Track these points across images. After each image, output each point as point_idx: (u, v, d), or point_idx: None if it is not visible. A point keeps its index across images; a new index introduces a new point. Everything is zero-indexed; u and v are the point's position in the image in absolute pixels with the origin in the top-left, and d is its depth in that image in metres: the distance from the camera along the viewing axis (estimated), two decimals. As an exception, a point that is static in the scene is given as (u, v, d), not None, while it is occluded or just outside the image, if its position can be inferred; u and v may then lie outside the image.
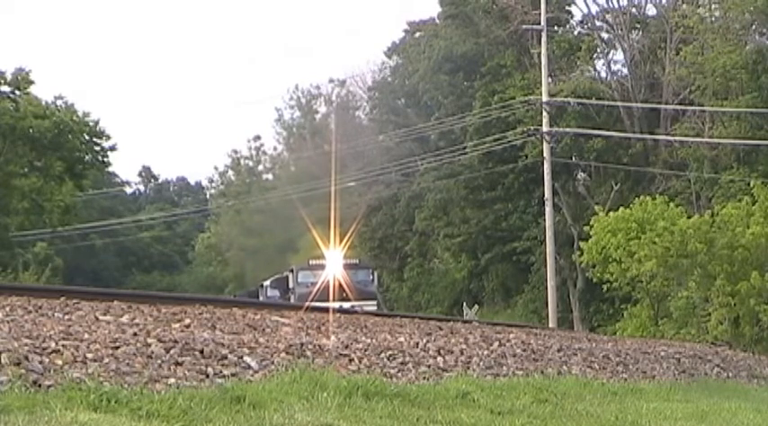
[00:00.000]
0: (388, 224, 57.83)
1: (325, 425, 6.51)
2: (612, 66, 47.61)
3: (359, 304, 33.81)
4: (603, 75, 47.21)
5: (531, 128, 40.00)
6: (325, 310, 16.64)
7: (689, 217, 29.90)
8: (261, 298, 41.88)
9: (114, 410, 5.87)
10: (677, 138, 39.83)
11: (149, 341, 8.16)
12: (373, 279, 38.78)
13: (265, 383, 7.52)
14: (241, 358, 8.37)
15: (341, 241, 36.17)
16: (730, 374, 17.11)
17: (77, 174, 44.06)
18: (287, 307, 16.28)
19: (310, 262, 38.09)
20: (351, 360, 9.52)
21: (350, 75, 70.33)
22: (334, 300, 32.25)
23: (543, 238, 39.08)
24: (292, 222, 56.84)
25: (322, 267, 36.15)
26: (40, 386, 6.20)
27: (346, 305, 33.24)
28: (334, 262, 35.48)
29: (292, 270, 38.92)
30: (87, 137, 43.98)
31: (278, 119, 77.63)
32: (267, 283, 42.13)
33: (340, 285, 33.93)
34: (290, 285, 38.43)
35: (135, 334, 8.47)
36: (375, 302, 36.65)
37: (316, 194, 52.83)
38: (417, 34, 60.48)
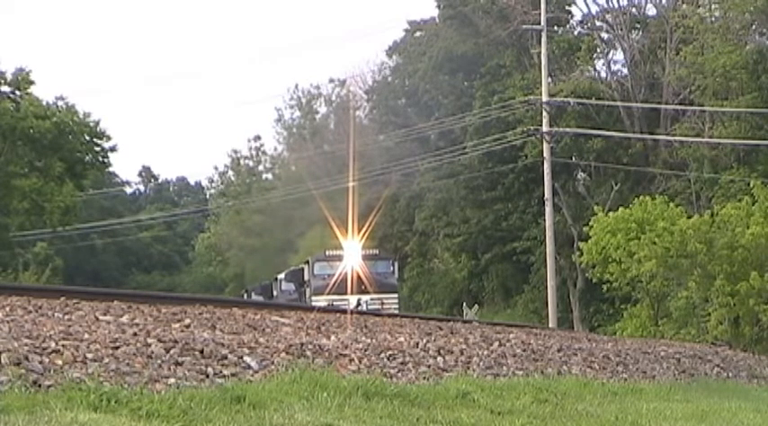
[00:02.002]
0: (387, 224, 57.81)
1: (325, 425, 6.52)
2: (612, 66, 47.70)
3: (378, 297, 32.55)
4: (603, 75, 47.30)
5: (531, 128, 40.01)
6: (326, 310, 16.65)
7: (689, 217, 29.91)
8: (275, 292, 40.10)
9: (114, 410, 5.87)
10: (677, 138, 39.85)
11: (149, 341, 8.17)
12: (394, 271, 36.44)
13: (265, 383, 7.53)
14: (241, 358, 8.38)
15: (359, 231, 34.25)
16: (730, 374, 17.11)
17: (77, 175, 44.01)
18: (287, 307, 16.29)
19: (327, 253, 35.71)
20: (351, 360, 9.52)
21: (350, 75, 70.34)
22: (352, 293, 31.35)
23: (543, 238, 39.08)
24: (292, 222, 56.87)
25: (340, 258, 34.06)
26: (40, 386, 6.20)
27: (365, 298, 32.06)
28: (352, 253, 33.53)
29: (308, 262, 36.68)
30: (88, 138, 43.93)
31: (278, 120, 77.61)
32: (281, 276, 40.25)
33: (359, 277, 32.34)
34: (306, 277, 36.35)
35: (135, 334, 8.47)
36: (396, 295, 34.93)
37: (316, 194, 52.83)
38: (418, 33, 60.51)
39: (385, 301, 32.78)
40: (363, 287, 32.58)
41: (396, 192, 55.82)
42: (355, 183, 40.22)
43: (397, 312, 32.55)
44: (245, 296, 45.47)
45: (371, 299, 32.39)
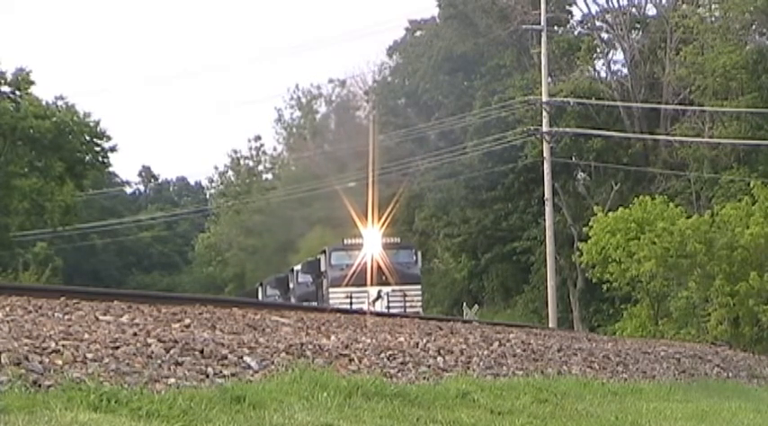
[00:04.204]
0: (387, 224, 57.74)
1: (325, 425, 6.52)
2: (612, 66, 47.68)
3: (400, 288, 30.79)
4: (603, 75, 47.29)
5: (531, 128, 40.03)
6: (325, 310, 16.65)
7: (689, 217, 29.93)
8: (291, 285, 38.63)
9: (114, 410, 5.87)
10: (677, 138, 39.85)
11: (149, 341, 8.17)
12: (417, 261, 33.81)
13: (265, 383, 7.53)
14: (241, 358, 8.38)
15: (379, 219, 32.02)
16: (730, 374, 17.12)
17: (78, 175, 44.01)
18: (287, 307, 16.29)
19: (345, 242, 33.38)
20: (351, 360, 9.52)
21: (350, 76, 70.33)
22: (372, 284, 29.87)
23: (543, 238, 39.09)
24: (292, 222, 56.83)
25: (358, 247, 31.79)
26: (40, 386, 6.20)
27: (386, 289, 30.41)
28: (371, 242, 31.21)
29: (325, 251, 34.17)
30: (88, 138, 43.93)
31: (278, 120, 77.62)
32: (298, 268, 38.15)
33: (379, 267, 30.25)
34: (323, 268, 33.93)
35: (135, 334, 8.47)
36: (419, 286, 32.84)
37: (316, 194, 52.82)
38: (418, 33, 60.51)
39: (407, 293, 30.97)
40: (384, 277, 30.51)
41: (395, 192, 55.80)
42: (375, 171, 38.16)
43: (420, 305, 31.33)
44: (260, 289, 44.70)
45: (393, 291, 30.67)
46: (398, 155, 51.52)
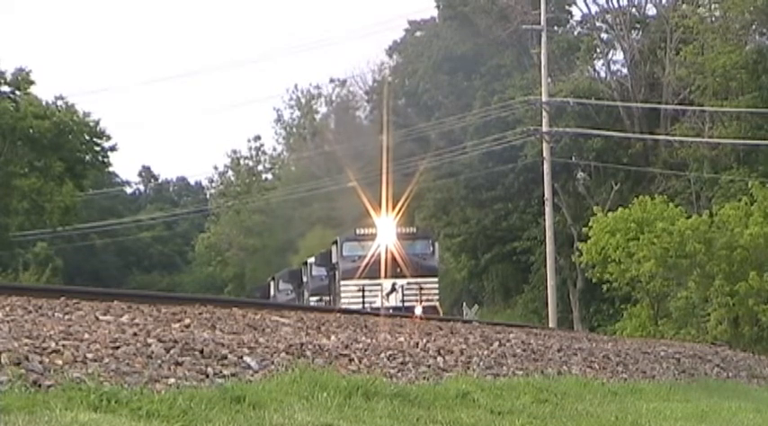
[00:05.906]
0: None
1: (325, 425, 6.52)
2: (612, 66, 47.67)
3: (416, 281, 29.52)
4: (603, 75, 47.28)
5: (531, 128, 40.03)
6: (324, 310, 16.65)
7: (688, 218, 29.92)
8: (305, 278, 37.68)
9: (114, 410, 5.87)
10: (677, 138, 39.84)
11: (149, 341, 8.16)
12: (434, 252, 32.10)
13: (265, 383, 7.53)
14: (241, 358, 8.38)
15: (394, 207, 30.66)
16: (730, 374, 17.13)
17: (77, 175, 44.03)
18: (287, 307, 16.30)
19: (357, 232, 31.67)
20: (351, 360, 9.52)
21: (350, 76, 70.36)
22: (386, 277, 28.68)
23: (543, 238, 39.09)
24: (292, 222, 56.86)
25: (372, 237, 30.17)
26: (40, 386, 6.20)
27: (401, 282, 29.11)
28: (386, 231, 29.68)
29: (336, 242, 32.34)
30: (87, 138, 43.96)
31: (278, 120, 77.64)
32: (311, 260, 36.71)
33: (393, 258, 28.89)
34: (334, 260, 32.27)
35: (135, 334, 8.47)
36: (436, 279, 31.60)
37: (316, 194, 52.83)
38: (418, 33, 60.54)
39: (423, 286, 29.76)
40: (399, 269, 29.04)
41: (397, 192, 55.73)
42: (389, 159, 36.98)
43: (437, 299, 30.44)
44: (272, 283, 44.39)
45: (408, 284, 29.31)
46: (398, 154, 51.51)
